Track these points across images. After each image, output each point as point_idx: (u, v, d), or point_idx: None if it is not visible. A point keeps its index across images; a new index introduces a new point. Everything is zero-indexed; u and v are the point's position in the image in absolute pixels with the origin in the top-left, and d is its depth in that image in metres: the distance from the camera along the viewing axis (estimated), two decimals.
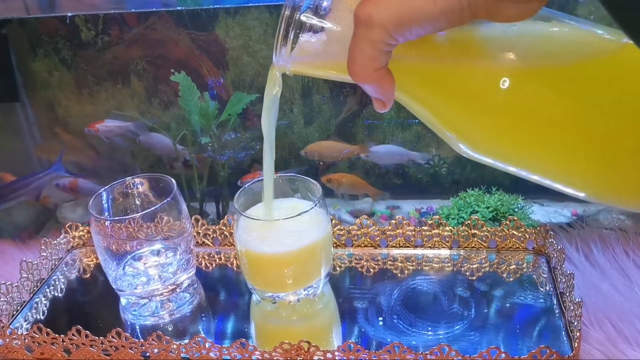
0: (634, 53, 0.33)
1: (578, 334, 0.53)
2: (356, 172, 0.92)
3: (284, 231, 0.59)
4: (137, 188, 0.68)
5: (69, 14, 0.84)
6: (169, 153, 0.91)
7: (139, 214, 0.62)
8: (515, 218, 0.68)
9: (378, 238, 0.71)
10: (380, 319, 0.61)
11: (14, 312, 0.66)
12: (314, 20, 0.36)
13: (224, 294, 0.68)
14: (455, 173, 0.89)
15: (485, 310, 0.61)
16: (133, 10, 0.84)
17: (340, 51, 0.34)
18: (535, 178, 0.37)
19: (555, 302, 0.61)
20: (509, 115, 0.35)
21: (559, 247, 0.63)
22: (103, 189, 0.66)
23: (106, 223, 0.62)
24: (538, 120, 0.34)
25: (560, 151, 0.35)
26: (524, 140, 0.35)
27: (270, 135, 0.53)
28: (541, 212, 0.87)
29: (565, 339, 0.56)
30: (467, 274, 0.67)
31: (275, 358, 0.55)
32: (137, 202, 0.68)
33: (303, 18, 0.36)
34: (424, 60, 0.36)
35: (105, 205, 0.66)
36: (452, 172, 0.89)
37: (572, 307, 0.56)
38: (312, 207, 0.59)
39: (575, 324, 0.54)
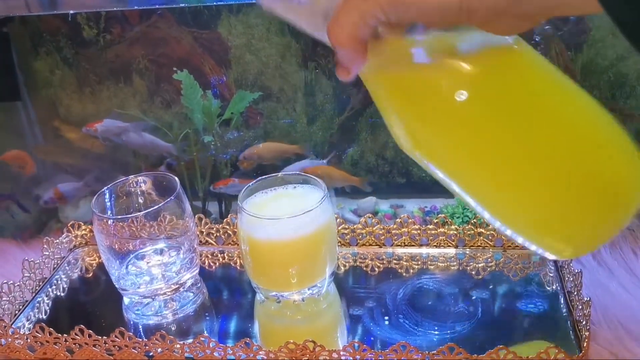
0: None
1: (587, 333, 0.52)
2: (359, 169, 0.91)
3: (288, 225, 0.58)
4: (140, 186, 0.67)
5: (71, 12, 0.84)
6: (155, 152, 0.90)
7: (141, 213, 0.61)
8: None
9: (383, 237, 0.71)
10: (386, 318, 0.60)
11: (16, 312, 0.65)
12: None
13: (227, 293, 0.67)
14: None
15: (492, 310, 0.60)
16: (136, 7, 0.84)
17: (330, 5, 0.34)
18: (470, 203, 0.38)
19: (562, 302, 0.60)
20: (446, 115, 0.35)
21: None
22: (106, 188, 0.65)
23: (109, 222, 0.62)
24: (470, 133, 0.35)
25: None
26: (461, 149, 0.36)
27: None
28: None
29: (573, 338, 0.55)
30: (473, 273, 0.66)
31: (280, 358, 0.54)
32: (140, 201, 0.67)
33: None
34: (395, 58, 0.36)
35: (108, 204, 0.65)
36: None
37: (580, 307, 0.56)
38: (318, 205, 0.58)
39: (584, 323, 0.53)
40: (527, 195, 0.36)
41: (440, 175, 0.39)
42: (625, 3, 0.25)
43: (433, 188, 0.93)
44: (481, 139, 0.35)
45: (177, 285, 0.65)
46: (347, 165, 0.92)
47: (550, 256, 0.39)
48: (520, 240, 0.38)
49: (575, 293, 0.58)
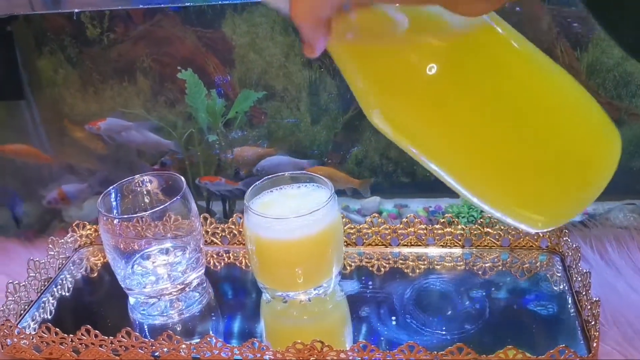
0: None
1: (596, 333, 0.52)
2: (363, 169, 0.91)
3: (294, 224, 0.58)
4: (146, 186, 0.67)
5: (76, 11, 0.83)
6: (153, 150, 0.90)
7: (147, 212, 0.61)
8: None
9: (389, 237, 0.70)
10: (393, 318, 0.60)
11: (22, 312, 0.65)
12: None
13: (233, 293, 0.67)
14: None
15: (500, 310, 0.60)
16: (141, 6, 0.83)
17: None
18: (433, 167, 0.38)
19: (570, 302, 0.60)
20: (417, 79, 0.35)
21: (574, 245, 0.62)
22: (111, 187, 0.65)
23: (115, 221, 0.61)
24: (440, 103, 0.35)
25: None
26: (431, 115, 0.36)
27: None
28: None
29: (581, 338, 0.55)
30: (480, 272, 0.66)
31: (287, 358, 0.54)
32: (146, 200, 0.67)
33: None
34: (363, 30, 0.35)
35: (114, 204, 0.65)
36: None
37: (589, 306, 0.55)
38: (325, 205, 0.58)
39: (593, 323, 0.53)
40: (502, 169, 0.36)
41: (406, 144, 0.38)
42: None
43: (438, 188, 0.92)
44: (452, 114, 0.35)
45: (183, 285, 0.64)
46: (351, 165, 0.91)
47: (526, 228, 0.39)
48: (497, 214, 0.39)
49: (584, 293, 0.57)
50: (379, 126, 0.39)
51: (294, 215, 0.57)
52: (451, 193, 0.96)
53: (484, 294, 0.62)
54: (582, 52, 0.80)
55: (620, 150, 0.37)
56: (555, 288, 0.62)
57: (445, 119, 0.36)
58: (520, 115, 0.35)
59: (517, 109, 0.35)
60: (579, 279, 0.59)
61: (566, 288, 0.62)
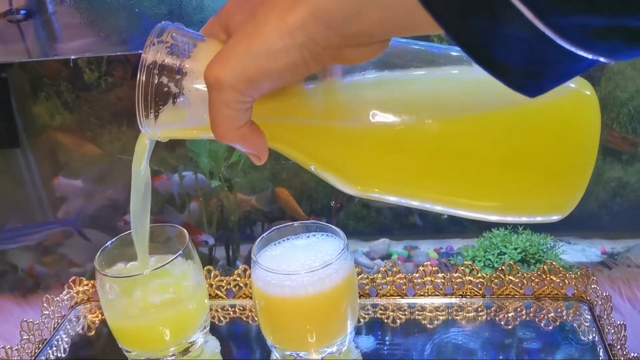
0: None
1: None
2: (371, 209, 0.88)
3: (306, 280, 0.54)
4: None
5: (72, 57, 0.81)
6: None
7: (147, 271, 0.57)
8: (554, 262, 0.63)
9: (405, 287, 0.66)
10: None
11: None
12: (172, 85, 0.34)
13: (240, 351, 0.63)
14: None
15: None
16: (141, 51, 0.81)
17: (204, 113, 0.32)
18: (427, 206, 0.38)
19: (603, 355, 0.56)
20: (380, 153, 0.35)
21: (604, 294, 0.58)
22: (109, 242, 0.61)
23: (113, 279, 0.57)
24: (411, 154, 0.35)
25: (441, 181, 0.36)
26: (405, 173, 0.36)
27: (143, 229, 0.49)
28: (570, 251, 0.82)
29: None
30: (502, 323, 0.62)
31: None
32: None
33: (161, 81, 0.34)
34: (294, 111, 0.35)
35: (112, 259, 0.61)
36: None
37: None
38: (338, 257, 0.54)
39: None
40: (495, 175, 0.35)
41: (401, 200, 0.38)
42: (461, 23, 0.24)
43: (449, 228, 0.89)
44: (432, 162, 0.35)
45: (188, 345, 0.60)
46: (358, 206, 0.88)
47: (545, 219, 0.38)
48: (509, 219, 0.38)
49: (619, 347, 0.53)
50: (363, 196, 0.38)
51: (305, 271, 0.54)
52: (462, 233, 0.92)
53: (510, 347, 0.58)
54: (595, 86, 0.78)
55: (597, 103, 0.35)
56: (583, 339, 0.58)
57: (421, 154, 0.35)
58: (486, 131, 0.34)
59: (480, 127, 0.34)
60: (612, 331, 0.55)
61: (596, 339, 0.58)
